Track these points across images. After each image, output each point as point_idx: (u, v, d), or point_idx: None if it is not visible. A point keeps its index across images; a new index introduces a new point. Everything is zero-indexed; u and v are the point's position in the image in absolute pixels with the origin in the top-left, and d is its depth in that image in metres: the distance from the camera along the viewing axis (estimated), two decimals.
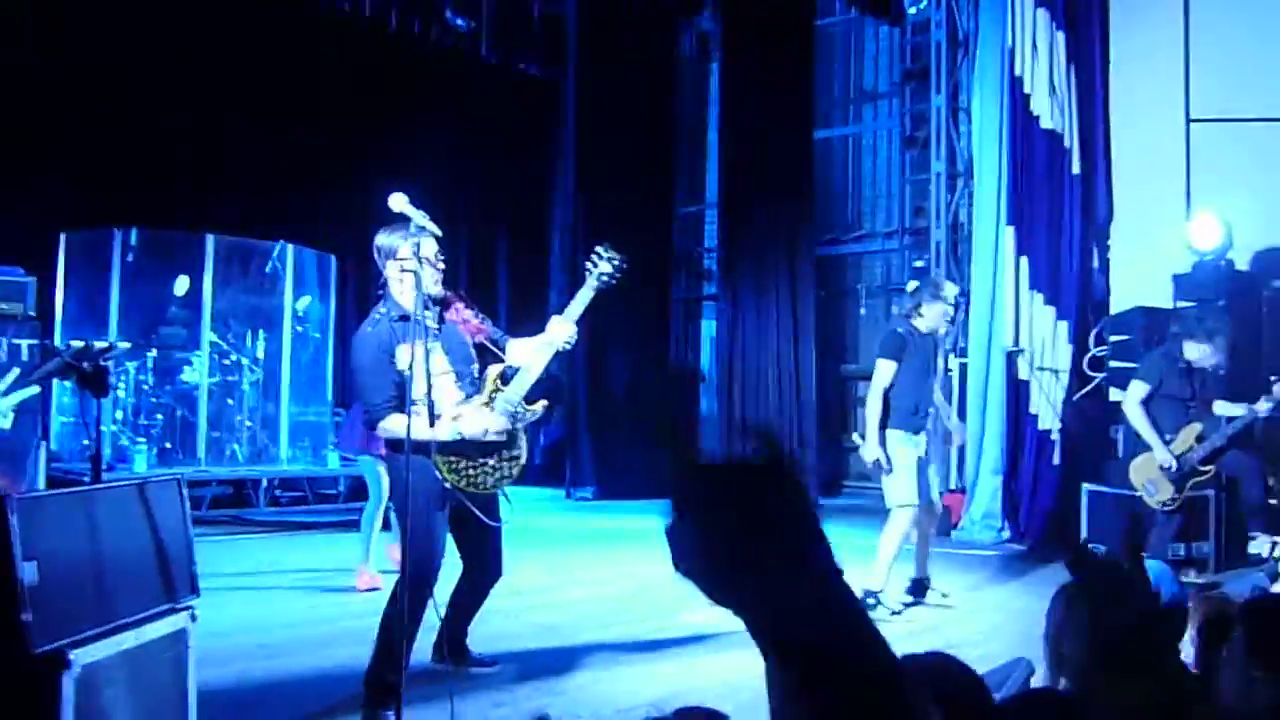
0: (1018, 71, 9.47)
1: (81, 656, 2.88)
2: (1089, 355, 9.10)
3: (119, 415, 9.87)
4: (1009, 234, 9.52)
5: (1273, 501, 6.83)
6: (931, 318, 6.41)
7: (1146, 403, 6.88)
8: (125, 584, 3.15)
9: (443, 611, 4.46)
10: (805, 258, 12.09)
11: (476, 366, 4.65)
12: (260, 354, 10.80)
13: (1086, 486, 8.07)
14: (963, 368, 10.13)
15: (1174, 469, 6.67)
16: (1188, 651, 3.01)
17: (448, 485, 4.40)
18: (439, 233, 4.36)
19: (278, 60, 10.93)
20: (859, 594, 5.87)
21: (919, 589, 6.57)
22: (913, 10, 11.95)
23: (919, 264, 11.98)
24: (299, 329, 11.17)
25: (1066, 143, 9.36)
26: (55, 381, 8.29)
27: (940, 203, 11.26)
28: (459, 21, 12.58)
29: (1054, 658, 2.27)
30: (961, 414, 10.20)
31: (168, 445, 10.04)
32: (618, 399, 12.43)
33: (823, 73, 13.39)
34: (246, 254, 10.85)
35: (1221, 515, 7.34)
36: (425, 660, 4.56)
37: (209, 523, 8.96)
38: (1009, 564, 8.30)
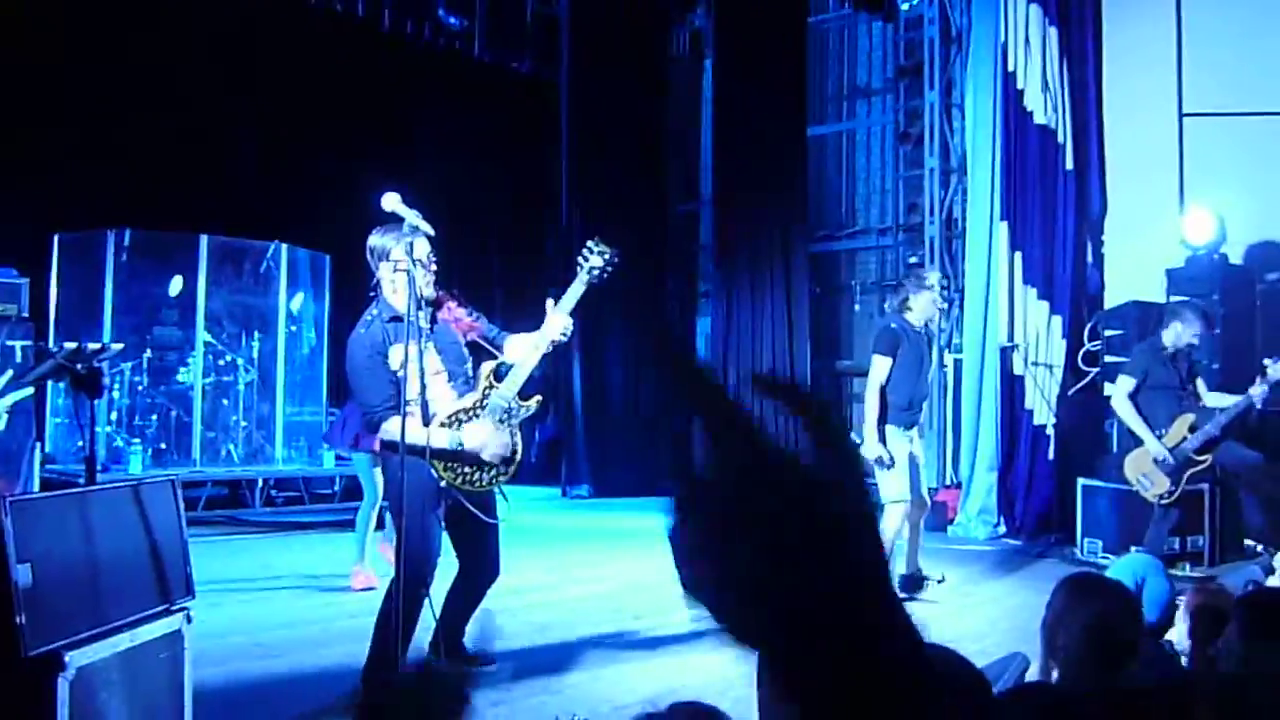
0: (1011, 67, 9.48)
1: (76, 658, 2.88)
2: (1083, 350, 9.12)
3: (114, 416, 9.85)
4: (1003, 229, 9.53)
5: None
6: (922, 308, 6.42)
7: (1136, 396, 6.89)
8: (120, 586, 3.15)
9: (439, 610, 4.46)
10: (799, 254, 12.09)
11: (470, 365, 4.65)
12: (255, 354, 10.78)
13: (1081, 481, 8.10)
14: (957, 363, 10.14)
15: (1167, 461, 6.68)
16: (1183, 643, 3.03)
17: (443, 484, 4.41)
18: (431, 232, 4.36)
19: (271, 59, 10.91)
20: None
21: (911, 584, 6.57)
22: (906, 6, 11.96)
23: (913, 260, 11.98)
24: (293, 329, 11.15)
25: (1060, 138, 9.37)
26: (49, 383, 8.28)
27: (934, 199, 11.27)
28: (452, 20, 12.58)
29: (1049, 645, 2.30)
30: (956, 410, 10.24)
31: (163, 446, 10.03)
32: (613, 397, 12.43)
33: (816, 69, 13.39)
34: (240, 254, 10.82)
35: (1216, 509, 7.36)
36: (422, 659, 4.56)
37: (204, 523, 8.94)
38: (1004, 559, 8.31)
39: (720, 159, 12.34)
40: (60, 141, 9.58)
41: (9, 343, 7.95)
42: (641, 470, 12.15)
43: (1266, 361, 6.51)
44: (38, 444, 7.88)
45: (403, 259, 4.29)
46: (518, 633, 5.59)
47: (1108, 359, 8.64)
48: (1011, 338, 9.44)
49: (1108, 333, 8.80)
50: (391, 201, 4.28)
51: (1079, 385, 9.06)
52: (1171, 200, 8.95)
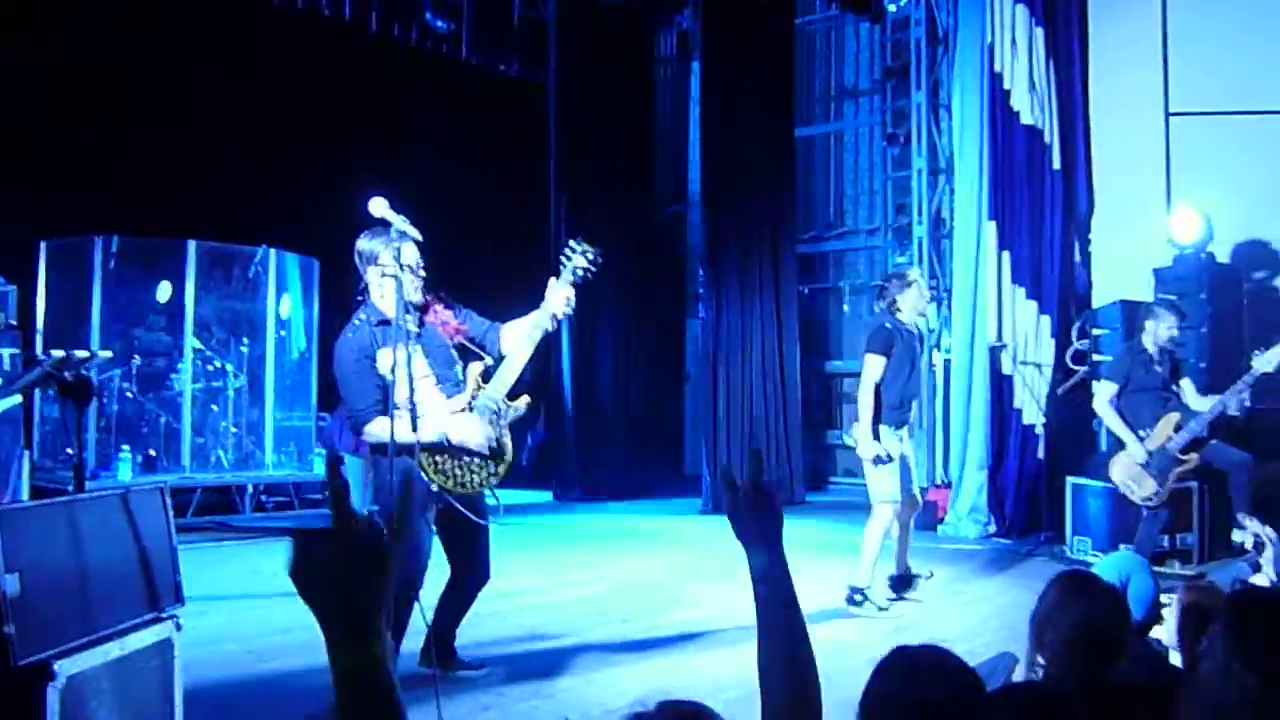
0: (997, 68, 9.51)
1: (66, 668, 2.87)
2: (1071, 349, 9.15)
3: (102, 423, 9.82)
4: (991, 229, 9.56)
5: None
6: (910, 304, 6.42)
7: (1120, 400, 6.91)
8: (109, 594, 3.14)
9: (429, 615, 4.45)
10: (788, 255, 12.12)
11: (460, 367, 4.65)
12: (244, 359, 10.76)
13: (1071, 480, 8.12)
14: (946, 363, 10.16)
15: (1149, 463, 6.70)
16: (1171, 641, 3.04)
17: (434, 487, 4.41)
18: (419, 237, 4.35)
19: (258, 64, 10.89)
20: (846, 591, 5.89)
21: (901, 584, 6.59)
22: (892, 8, 11.98)
23: (901, 260, 12.00)
24: (282, 333, 11.13)
25: (1047, 138, 9.40)
26: (38, 391, 8.25)
27: (922, 199, 11.30)
28: (439, 23, 12.58)
29: (1037, 639, 2.31)
30: (946, 409, 10.26)
31: (152, 452, 10.00)
32: (602, 399, 12.43)
33: (803, 71, 13.43)
34: (229, 259, 10.80)
35: (1206, 507, 7.39)
36: (412, 665, 4.55)
37: (194, 529, 8.90)
38: (995, 558, 8.32)
39: (708, 160, 12.35)
40: (47, 148, 9.54)
41: None
42: (632, 473, 12.18)
43: (1255, 353, 6.51)
44: (26, 451, 7.85)
45: (390, 264, 4.29)
46: (509, 636, 5.59)
47: (1096, 358, 8.67)
48: (1000, 337, 9.47)
49: (1096, 332, 8.82)
50: (379, 206, 4.28)
51: (1068, 384, 9.09)
52: (1158, 199, 8.98)
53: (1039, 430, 9.31)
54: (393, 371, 4.20)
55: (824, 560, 7.19)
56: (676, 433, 14.23)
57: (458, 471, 4.46)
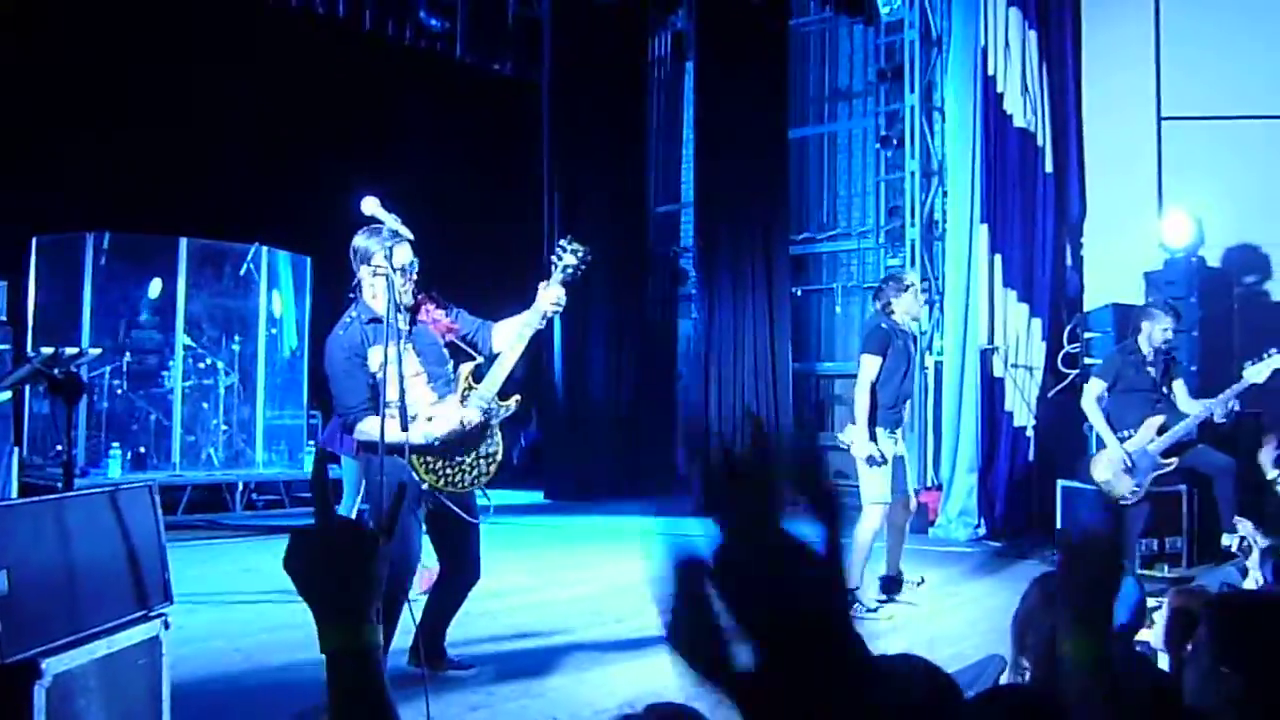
0: (990, 70, 9.52)
1: (53, 665, 2.87)
2: (1062, 352, 9.16)
3: (93, 420, 9.79)
4: (983, 232, 9.56)
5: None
6: (905, 308, 6.43)
7: (1109, 398, 6.94)
8: (97, 592, 3.13)
9: (419, 614, 4.45)
10: (781, 256, 12.11)
11: (451, 366, 4.65)
12: (235, 357, 10.74)
13: (1061, 483, 8.13)
14: (938, 365, 10.17)
15: (1128, 463, 6.73)
16: (1158, 644, 3.05)
17: (425, 486, 4.41)
18: (411, 236, 4.36)
19: (252, 61, 10.87)
20: None
21: (892, 585, 6.59)
22: (886, 10, 11.98)
23: (894, 262, 12.01)
24: (273, 331, 11.11)
25: (1039, 141, 9.41)
26: (27, 387, 8.22)
27: (915, 201, 11.30)
28: (433, 22, 12.56)
29: (1019, 642, 2.31)
30: (937, 411, 10.27)
31: (142, 450, 9.98)
32: (594, 399, 12.42)
33: (797, 72, 13.41)
34: (220, 256, 10.78)
35: (1194, 510, 7.40)
36: (401, 664, 4.55)
37: (184, 527, 8.89)
38: (984, 561, 8.34)
39: (702, 161, 12.35)
40: (39, 144, 9.52)
41: None
42: (623, 473, 12.16)
43: (1247, 364, 6.54)
44: (15, 449, 7.83)
45: (382, 264, 4.29)
46: (499, 635, 5.58)
47: (1087, 361, 8.69)
48: (991, 340, 9.48)
49: (1087, 335, 8.84)
50: (371, 205, 4.28)
51: (1058, 387, 9.11)
52: (1150, 203, 9.00)
53: (1029, 433, 9.33)
54: (383, 370, 4.20)
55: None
56: (668, 433, 14.22)
57: (448, 471, 4.46)
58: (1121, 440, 6.89)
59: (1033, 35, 9.43)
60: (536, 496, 12.04)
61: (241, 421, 10.78)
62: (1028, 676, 2.22)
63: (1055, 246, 9.46)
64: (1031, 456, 9.27)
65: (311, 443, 10.98)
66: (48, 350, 4.19)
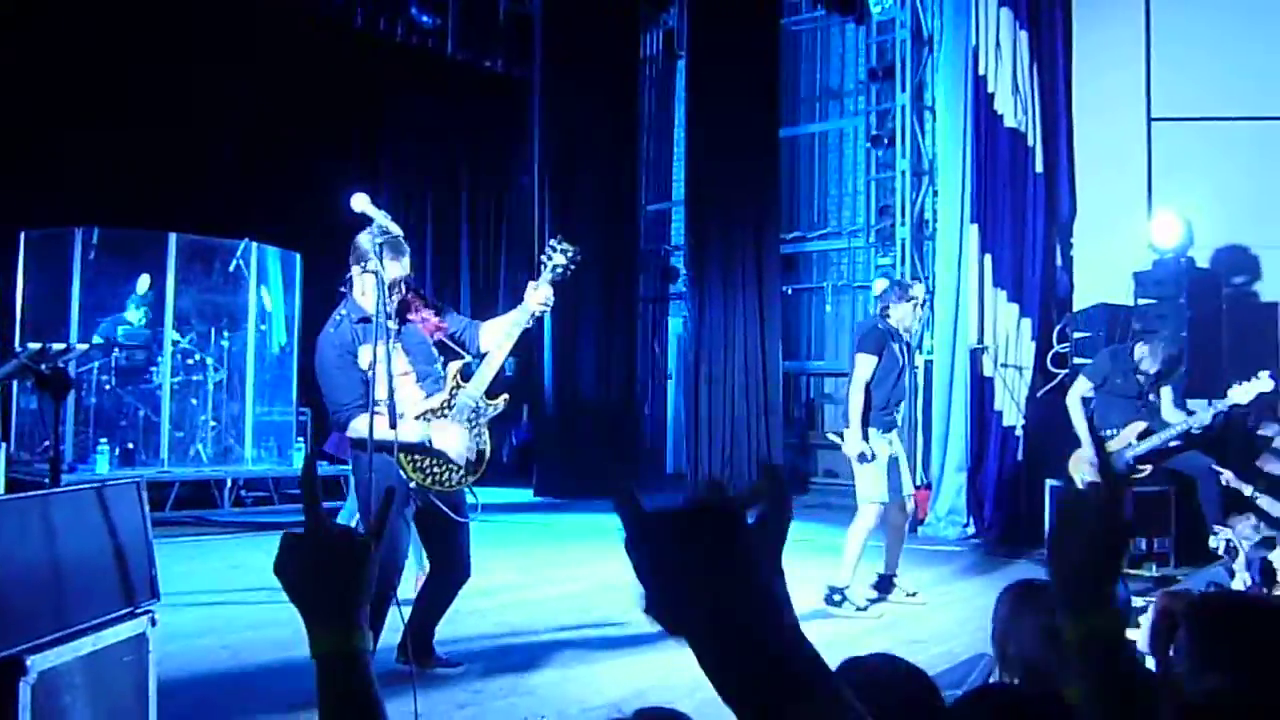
0: (981, 70, 9.53)
1: (38, 662, 2.85)
2: (1052, 352, 9.18)
3: (81, 416, 9.76)
4: (973, 232, 9.58)
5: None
6: (899, 317, 6.47)
7: (1094, 398, 6.98)
8: (83, 588, 3.12)
9: (406, 612, 4.45)
10: (771, 255, 12.13)
11: (440, 364, 4.65)
12: (225, 353, 10.70)
13: (1050, 482, 8.15)
14: (928, 365, 10.19)
15: (1097, 464, 6.76)
16: (1144, 645, 3.05)
17: (413, 485, 4.41)
18: (399, 232, 4.36)
19: (243, 57, 10.84)
20: (825, 590, 5.87)
21: (885, 585, 6.60)
22: (878, 9, 12.01)
23: (885, 261, 12.04)
24: (263, 327, 11.08)
25: (1029, 141, 9.42)
26: (14, 383, 8.18)
27: (905, 201, 11.32)
28: (425, 18, 12.55)
29: (1001, 658, 2.30)
30: (926, 411, 10.29)
31: (130, 445, 9.93)
32: (585, 397, 12.42)
33: (789, 71, 13.44)
34: (210, 252, 10.73)
35: (1180, 512, 7.43)
36: (390, 662, 4.54)
37: (173, 524, 8.87)
38: (973, 560, 8.36)
39: (693, 159, 12.36)
40: (27, 139, 9.49)
41: None
42: (613, 471, 12.15)
43: (1234, 385, 6.55)
44: (3, 444, 7.79)
45: (374, 261, 4.29)
46: (488, 634, 5.58)
47: (1076, 361, 8.70)
48: (981, 339, 9.49)
49: (1076, 335, 8.86)
50: (361, 202, 4.27)
51: (1048, 387, 9.12)
52: (1140, 204, 9.02)
53: (1019, 432, 9.34)
54: (372, 368, 4.19)
55: (803, 560, 7.20)
56: (658, 431, 14.24)
57: (436, 470, 4.46)
58: (1103, 440, 6.92)
59: (1024, 35, 9.44)
60: (526, 494, 12.03)
61: (230, 418, 10.74)
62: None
63: (1045, 246, 9.48)
64: (1020, 456, 9.28)
65: (300, 439, 10.95)
66: (35, 345, 4.17)
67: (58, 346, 4.22)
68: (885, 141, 11.91)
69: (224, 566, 7.44)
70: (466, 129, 13.46)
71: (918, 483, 10.13)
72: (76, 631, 3.04)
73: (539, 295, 4.56)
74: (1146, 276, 8.55)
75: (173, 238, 10.22)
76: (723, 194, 11.84)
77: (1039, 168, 9.41)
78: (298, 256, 11.25)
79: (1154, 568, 7.28)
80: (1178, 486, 7.31)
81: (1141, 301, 8.42)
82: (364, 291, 4.43)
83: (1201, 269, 8.63)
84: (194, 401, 10.46)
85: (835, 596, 6.20)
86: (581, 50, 12.34)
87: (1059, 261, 9.65)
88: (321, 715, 1.18)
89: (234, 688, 4.66)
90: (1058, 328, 9.22)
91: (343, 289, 4.57)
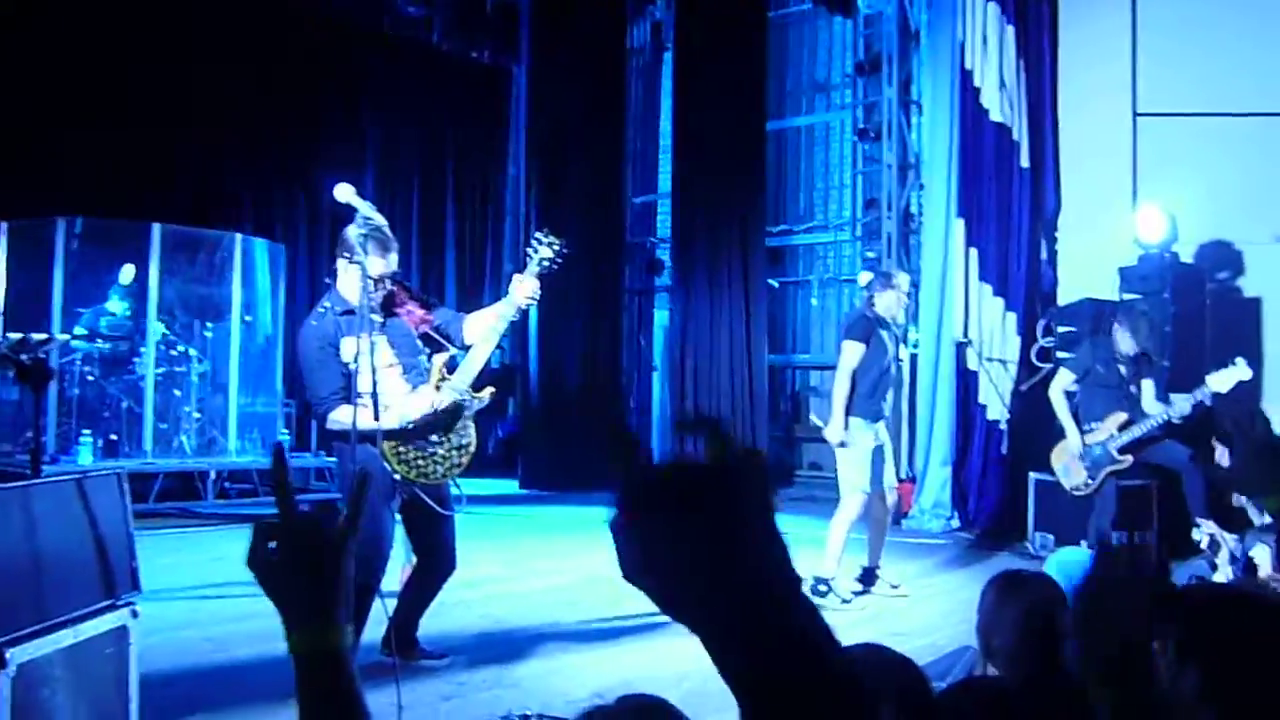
0: (968, 65, 9.55)
1: (18, 655, 2.83)
2: (1036, 346, 9.21)
3: (63, 407, 9.70)
4: (959, 226, 9.61)
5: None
6: (885, 305, 6.49)
7: (1077, 390, 7.02)
8: (64, 580, 3.10)
9: (390, 604, 4.44)
10: (757, 248, 12.13)
11: (425, 356, 4.63)
12: (208, 344, 10.65)
13: (1034, 475, 8.18)
14: (913, 358, 10.21)
15: (1085, 455, 6.83)
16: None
17: (397, 477, 4.39)
18: (384, 222, 4.34)
19: (227, 47, 10.79)
20: (809, 581, 5.88)
21: (869, 578, 6.62)
22: (865, 3, 12.01)
23: (871, 255, 12.05)
24: (247, 319, 11.02)
25: (1015, 136, 9.45)
26: None
27: (892, 194, 11.33)
28: (411, 9, 12.49)
29: (985, 649, 2.31)
30: (911, 404, 10.31)
31: (114, 437, 9.88)
32: (570, 389, 12.40)
33: (776, 64, 13.42)
34: (194, 243, 10.67)
35: (1163, 506, 7.45)
36: (374, 654, 4.53)
37: (156, 515, 8.83)
38: (958, 552, 8.39)
39: (679, 151, 12.35)
40: (10, 127, 9.41)
41: None
42: (598, 464, 12.13)
43: (1211, 372, 6.57)
44: None
45: (359, 252, 4.27)
46: (472, 626, 5.58)
47: (1061, 355, 8.72)
48: (966, 333, 9.52)
49: (1061, 329, 8.88)
50: (345, 193, 4.25)
51: (1032, 381, 9.14)
52: (1125, 198, 9.04)
53: (1003, 426, 9.38)
54: (356, 360, 4.18)
55: (790, 552, 7.20)
56: (643, 424, 14.23)
57: (420, 461, 4.45)
58: (1086, 433, 6.95)
59: (1010, 30, 9.46)
60: (512, 486, 12.02)
61: (214, 409, 10.70)
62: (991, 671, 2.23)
63: (1030, 241, 9.51)
64: (1005, 449, 9.32)
65: (285, 431, 10.91)
66: (15, 336, 4.14)
67: (39, 337, 4.19)
68: (872, 135, 11.92)
69: (207, 559, 7.40)
70: (453, 120, 13.42)
71: (902, 476, 10.17)
72: (57, 624, 3.03)
73: (525, 288, 4.55)
74: (1131, 271, 8.58)
75: (156, 228, 10.16)
76: (709, 186, 11.83)
77: (1025, 162, 9.44)
78: (283, 248, 11.21)
79: None
80: (1160, 481, 7.33)
81: (1126, 296, 8.44)
82: (350, 284, 4.41)
83: (1186, 264, 8.65)
84: (178, 393, 10.41)
85: (821, 587, 6.21)
86: (568, 41, 12.31)
87: (1044, 256, 9.68)
88: (300, 715, 1.14)
89: (217, 680, 4.65)
90: (1043, 322, 9.25)
91: (329, 280, 4.55)
